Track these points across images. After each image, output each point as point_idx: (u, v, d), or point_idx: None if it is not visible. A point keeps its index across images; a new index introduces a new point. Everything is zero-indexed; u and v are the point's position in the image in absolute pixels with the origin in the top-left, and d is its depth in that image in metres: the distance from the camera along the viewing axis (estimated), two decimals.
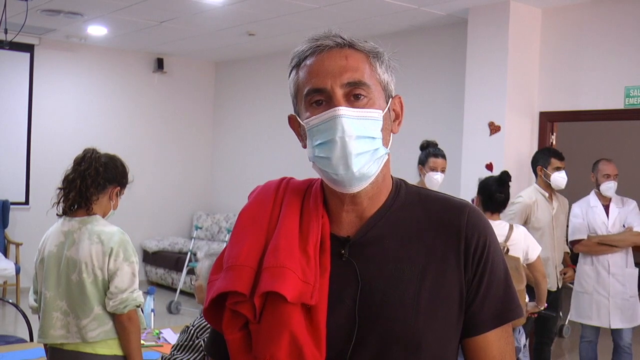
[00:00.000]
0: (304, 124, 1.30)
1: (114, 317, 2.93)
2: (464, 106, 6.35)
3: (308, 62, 1.31)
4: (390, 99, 1.34)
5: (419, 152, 4.88)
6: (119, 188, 3.09)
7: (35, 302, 3.11)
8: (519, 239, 4.17)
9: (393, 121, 1.36)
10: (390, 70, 1.35)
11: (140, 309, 3.02)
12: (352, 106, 1.26)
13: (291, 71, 1.35)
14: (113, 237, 2.94)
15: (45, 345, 3.07)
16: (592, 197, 5.29)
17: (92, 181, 2.97)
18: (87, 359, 2.92)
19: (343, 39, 1.31)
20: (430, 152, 4.81)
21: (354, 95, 1.27)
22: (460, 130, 6.41)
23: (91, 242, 2.92)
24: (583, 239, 5.19)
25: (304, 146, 1.34)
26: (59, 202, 3.02)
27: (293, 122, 1.37)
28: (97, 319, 2.91)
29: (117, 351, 2.95)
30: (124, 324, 2.92)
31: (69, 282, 2.93)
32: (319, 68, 1.29)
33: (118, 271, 2.91)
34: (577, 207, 5.29)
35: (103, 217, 3.05)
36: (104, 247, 2.92)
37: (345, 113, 1.25)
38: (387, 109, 1.32)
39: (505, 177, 4.25)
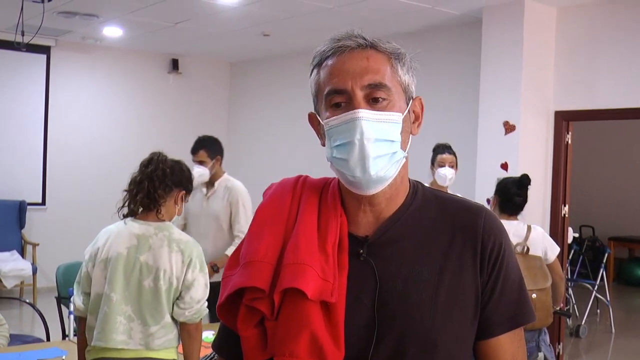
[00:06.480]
0: (323, 123, 1.30)
1: (180, 325, 2.92)
2: (479, 105, 6.33)
3: (330, 62, 1.30)
4: (411, 101, 1.34)
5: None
6: (184, 192, 3.06)
7: (82, 304, 2.97)
8: (538, 239, 4.13)
9: (412, 123, 1.35)
10: (411, 71, 1.34)
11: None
12: (372, 108, 1.26)
13: (312, 70, 1.34)
14: (192, 248, 2.92)
15: (82, 354, 2.95)
16: None
17: (160, 183, 2.94)
18: None
19: (365, 39, 1.31)
20: (437, 151, 4.92)
21: (374, 98, 1.27)
22: (475, 129, 6.40)
23: (170, 249, 2.88)
24: None
25: (323, 144, 1.34)
26: (124, 205, 2.97)
27: (313, 120, 1.37)
28: (165, 327, 2.88)
29: (171, 358, 2.94)
30: (191, 332, 2.91)
31: (140, 287, 2.87)
32: (340, 69, 1.28)
33: (195, 282, 2.89)
34: None
35: (169, 221, 3.01)
36: (184, 256, 2.89)
37: (365, 115, 1.24)
38: (407, 111, 1.31)
39: (525, 181, 4.19)
